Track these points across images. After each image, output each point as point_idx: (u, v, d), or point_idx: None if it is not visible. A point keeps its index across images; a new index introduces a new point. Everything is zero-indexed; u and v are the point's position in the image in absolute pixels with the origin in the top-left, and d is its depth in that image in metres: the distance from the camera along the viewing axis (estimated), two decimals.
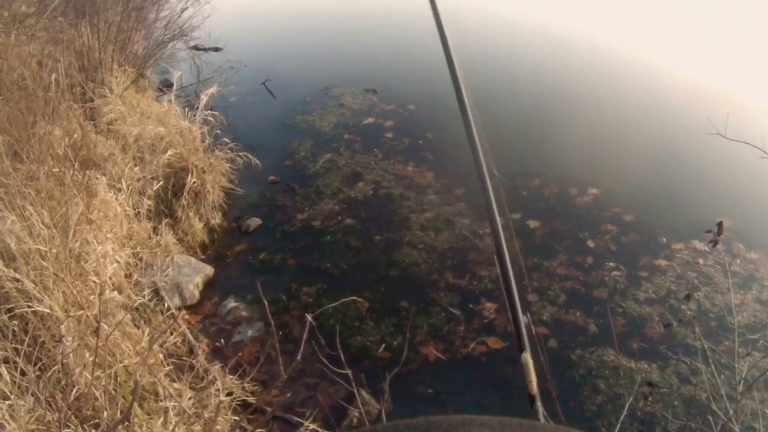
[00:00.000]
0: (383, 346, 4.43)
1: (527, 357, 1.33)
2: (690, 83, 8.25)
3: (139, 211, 5.12)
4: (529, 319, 1.44)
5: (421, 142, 7.00)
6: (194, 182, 5.57)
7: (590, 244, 5.35)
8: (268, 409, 3.88)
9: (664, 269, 5.05)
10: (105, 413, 2.96)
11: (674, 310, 4.64)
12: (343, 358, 2.92)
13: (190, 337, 4.34)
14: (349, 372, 2.92)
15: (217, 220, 5.78)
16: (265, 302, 2.88)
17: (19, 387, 2.80)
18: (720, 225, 2.99)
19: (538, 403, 1.34)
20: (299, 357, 2.88)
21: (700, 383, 3.85)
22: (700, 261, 5.12)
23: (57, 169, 4.22)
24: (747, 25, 10.74)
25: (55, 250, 3.56)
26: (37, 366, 3.01)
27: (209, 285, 5.09)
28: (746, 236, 5.32)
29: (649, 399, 3.75)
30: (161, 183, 5.45)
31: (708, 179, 6.31)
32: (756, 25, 10.79)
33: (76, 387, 2.99)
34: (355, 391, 3.16)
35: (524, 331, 1.31)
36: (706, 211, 5.68)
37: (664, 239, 5.37)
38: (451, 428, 0.50)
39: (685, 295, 4.51)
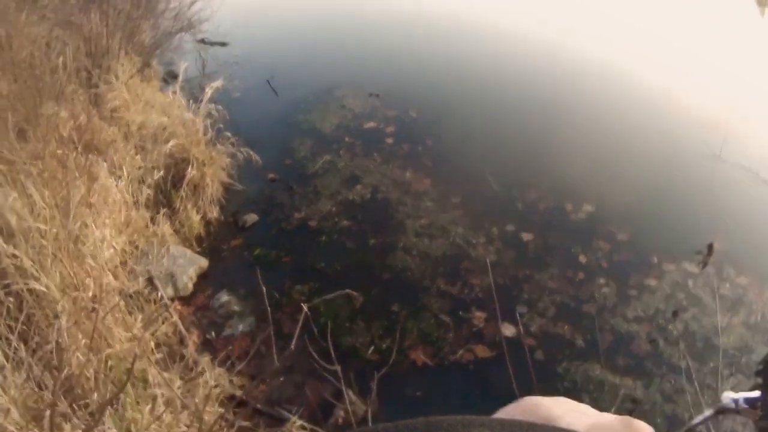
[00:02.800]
0: (372, 347, 4.46)
1: None
2: (689, 106, 8.30)
3: (137, 200, 5.14)
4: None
5: (420, 149, 7.04)
6: (194, 174, 5.60)
7: (582, 259, 5.39)
8: (251, 401, 3.91)
9: (654, 288, 5.09)
10: (95, 395, 2.99)
11: (661, 329, 4.68)
12: (333, 354, 2.95)
13: (182, 328, 4.37)
14: (338, 368, 2.95)
15: (214, 213, 5.80)
16: (263, 288, 2.90)
17: (11, 362, 2.82)
18: (710, 247, 3.04)
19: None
20: (293, 345, 2.93)
21: (683, 402, 3.89)
22: (690, 282, 5.16)
23: (60, 151, 4.24)
24: (748, 49, 10.82)
25: (55, 230, 3.58)
26: (29, 345, 3.04)
27: (203, 277, 5.12)
28: (737, 260, 5.35)
29: (632, 414, 3.79)
30: (161, 173, 5.47)
31: (702, 202, 6.35)
32: (756, 49, 10.88)
33: (68, 368, 3.01)
34: (344, 388, 3.19)
35: None
36: (698, 233, 5.71)
37: (655, 259, 5.41)
38: (451, 428, 0.53)
39: (672, 311, 4.56)
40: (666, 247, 5.54)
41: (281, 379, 4.17)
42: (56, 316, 3.21)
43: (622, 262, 5.39)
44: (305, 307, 2.62)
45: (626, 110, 8.21)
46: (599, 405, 2.96)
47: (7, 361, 2.81)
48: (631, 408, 3.90)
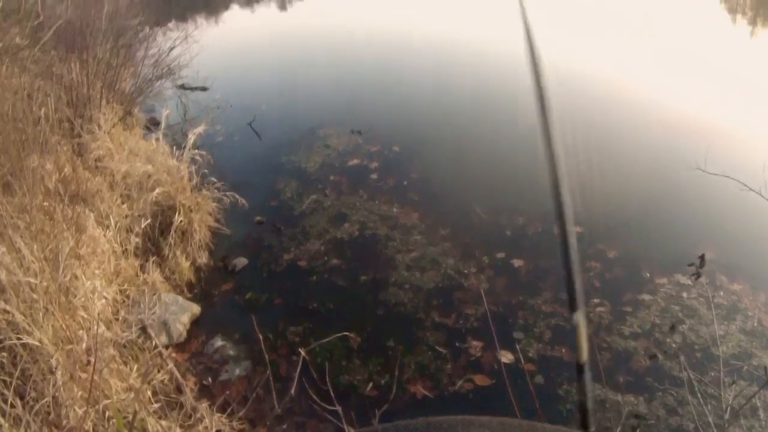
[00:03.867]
0: (371, 384, 4.42)
1: (580, 317, 1.11)
2: (671, 118, 8.39)
3: (126, 248, 5.12)
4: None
5: (405, 182, 7.08)
6: (181, 221, 5.59)
7: None
8: None
9: (648, 303, 5.10)
10: None
11: (659, 343, 4.68)
12: (332, 395, 2.92)
13: (178, 375, 4.30)
14: (339, 408, 2.92)
15: (203, 259, 5.78)
16: (260, 335, 2.88)
17: (9, 419, 2.77)
18: (702, 258, 3.05)
19: (587, 374, 1.15)
20: (292, 391, 2.89)
21: (687, 413, 3.88)
22: (684, 294, 5.18)
23: (47, 203, 4.23)
24: (729, 59, 11.01)
25: (45, 284, 3.55)
26: (26, 400, 2.99)
27: (196, 323, 5.08)
28: (729, 268, 5.38)
29: (637, 431, 3.77)
30: (149, 221, 5.45)
31: (691, 213, 6.39)
32: (737, 58, 11.07)
33: (66, 421, 2.97)
34: (345, 427, 3.14)
35: (579, 288, 1.14)
36: (689, 244, 5.74)
37: (648, 274, 5.43)
38: (450, 428, 0.53)
39: (669, 326, 4.56)
40: (657, 261, 5.57)
41: (282, 424, 4.11)
42: (51, 371, 3.17)
43: (614, 280, 5.41)
44: (303, 352, 2.60)
45: (608, 126, 8.30)
46: (603, 424, 2.95)
47: (4, 417, 2.76)
48: (635, 425, 3.87)
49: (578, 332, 1.15)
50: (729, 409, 2.88)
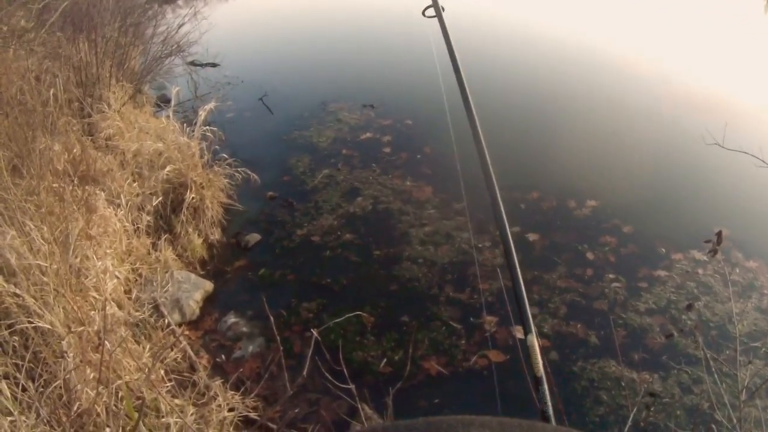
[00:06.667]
0: (384, 361, 4.41)
1: (533, 339, 1.30)
2: (688, 92, 8.29)
3: (138, 227, 5.11)
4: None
5: (419, 156, 7.02)
6: (193, 198, 5.57)
7: (589, 256, 5.35)
8: (271, 425, 3.86)
9: (664, 280, 5.05)
10: (108, 430, 2.94)
11: (675, 320, 4.64)
12: (346, 373, 2.91)
13: (191, 353, 4.32)
14: (352, 387, 2.91)
15: (216, 235, 5.77)
16: (271, 317, 2.86)
17: (20, 404, 2.78)
18: (719, 235, 2.99)
19: (544, 386, 1.30)
20: (305, 372, 2.88)
21: (702, 392, 3.85)
22: (700, 271, 5.12)
23: (56, 185, 4.21)
24: (744, 35, 10.83)
25: (55, 266, 3.54)
26: (38, 383, 3.00)
27: (209, 301, 5.07)
28: (745, 245, 5.33)
29: (652, 409, 3.75)
30: (160, 199, 5.44)
31: (706, 189, 6.34)
32: (752, 34, 10.89)
33: (78, 403, 2.97)
34: (359, 405, 3.13)
35: (529, 314, 1.29)
36: (704, 220, 5.69)
37: (663, 250, 5.38)
38: (450, 428, 0.50)
39: (686, 305, 4.51)
40: (672, 236, 5.51)
41: (296, 402, 4.11)
42: (63, 354, 3.17)
43: (629, 256, 5.35)
44: (315, 333, 2.58)
45: (623, 100, 8.19)
46: (618, 402, 2.92)
47: (16, 400, 2.77)
48: (650, 403, 3.84)
49: (533, 352, 1.29)
50: (745, 389, 2.84)
